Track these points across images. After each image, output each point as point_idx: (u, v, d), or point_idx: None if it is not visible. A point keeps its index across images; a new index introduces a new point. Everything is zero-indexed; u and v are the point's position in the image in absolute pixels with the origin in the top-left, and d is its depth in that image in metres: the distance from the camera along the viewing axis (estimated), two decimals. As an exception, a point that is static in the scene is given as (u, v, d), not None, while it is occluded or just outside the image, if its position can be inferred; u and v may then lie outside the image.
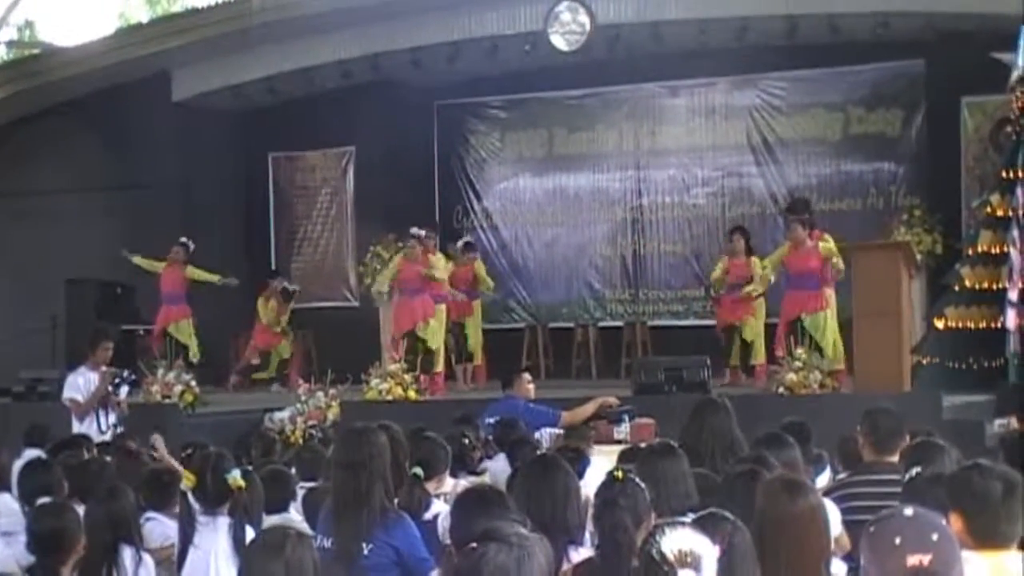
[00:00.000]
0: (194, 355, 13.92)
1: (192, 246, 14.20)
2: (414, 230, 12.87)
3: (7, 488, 6.13)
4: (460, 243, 14.70)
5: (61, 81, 16.18)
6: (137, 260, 14.22)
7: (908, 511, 2.76)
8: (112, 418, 9.17)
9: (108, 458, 6.77)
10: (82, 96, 16.03)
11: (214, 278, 14.15)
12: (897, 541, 2.67)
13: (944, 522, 2.91)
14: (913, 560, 2.64)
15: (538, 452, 6.00)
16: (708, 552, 2.78)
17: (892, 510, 2.81)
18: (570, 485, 4.13)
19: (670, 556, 2.72)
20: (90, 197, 16.25)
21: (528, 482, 4.19)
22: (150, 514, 5.48)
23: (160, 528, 5.41)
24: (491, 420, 8.15)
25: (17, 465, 6.57)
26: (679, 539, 2.76)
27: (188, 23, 16.10)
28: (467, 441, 6.71)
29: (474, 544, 2.66)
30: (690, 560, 2.72)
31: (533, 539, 2.70)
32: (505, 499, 4.04)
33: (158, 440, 7.27)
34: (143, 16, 26.66)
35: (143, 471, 6.01)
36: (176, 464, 6.40)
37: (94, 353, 9.46)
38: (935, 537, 2.69)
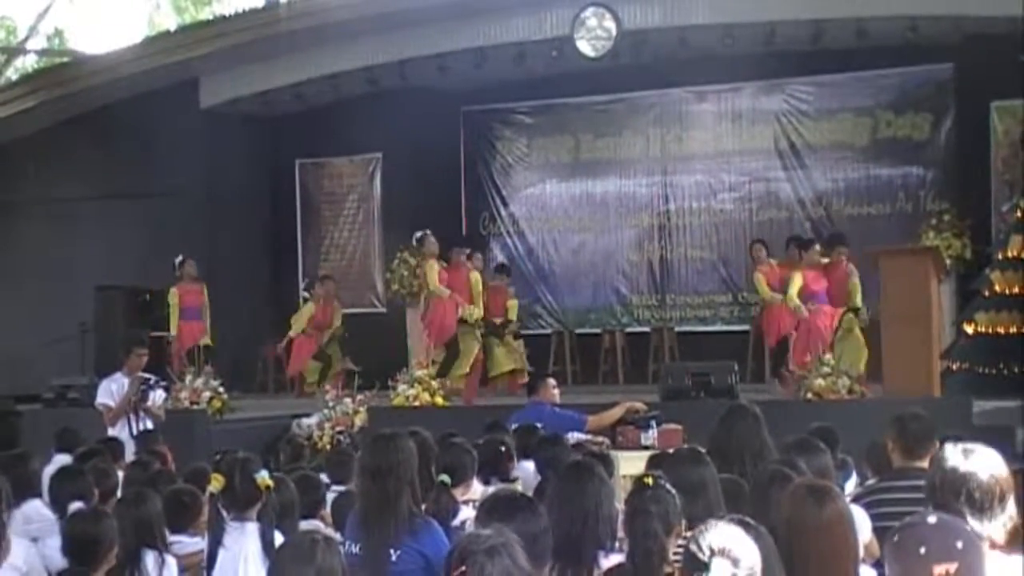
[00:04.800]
0: None
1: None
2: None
3: (37, 494, 6.15)
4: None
5: (90, 89, 16.28)
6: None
7: (932, 519, 2.73)
8: (145, 424, 9.17)
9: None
10: (111, 103, 16.11)
11: None
12: (922, 551, 2.64)
13: (969, 528, 2.89)
14: (939, 570, 2.61)
15: (572, 454, 5.97)
16: (748, 552, 2.77)
17: (915, 518, 2.77)
18: (603, 492, 4.11)
19: (705, 547, 2.72)
20: (119, 204, 16.32)
21: (562, 488, 4.17)
22: (172, 538, 5.39)
23: (182, 549, 5.38)
24: (515, 426, 8.14)
25: (47, 471, 6.60)
26: (718, 536, 2.76)
27: (216, 30, 16.19)
28: (503, 448, 6.64)
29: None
30: (728, 553, 2.71)
31: (508, 540, 2.72)
32: (533, 504, 4.03)
33: None
34: (172, 24, 26.79)
35: (164, 490, 5.97)
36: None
37: (127, 359, 9.49)
38: (960, 545, 2.66)
